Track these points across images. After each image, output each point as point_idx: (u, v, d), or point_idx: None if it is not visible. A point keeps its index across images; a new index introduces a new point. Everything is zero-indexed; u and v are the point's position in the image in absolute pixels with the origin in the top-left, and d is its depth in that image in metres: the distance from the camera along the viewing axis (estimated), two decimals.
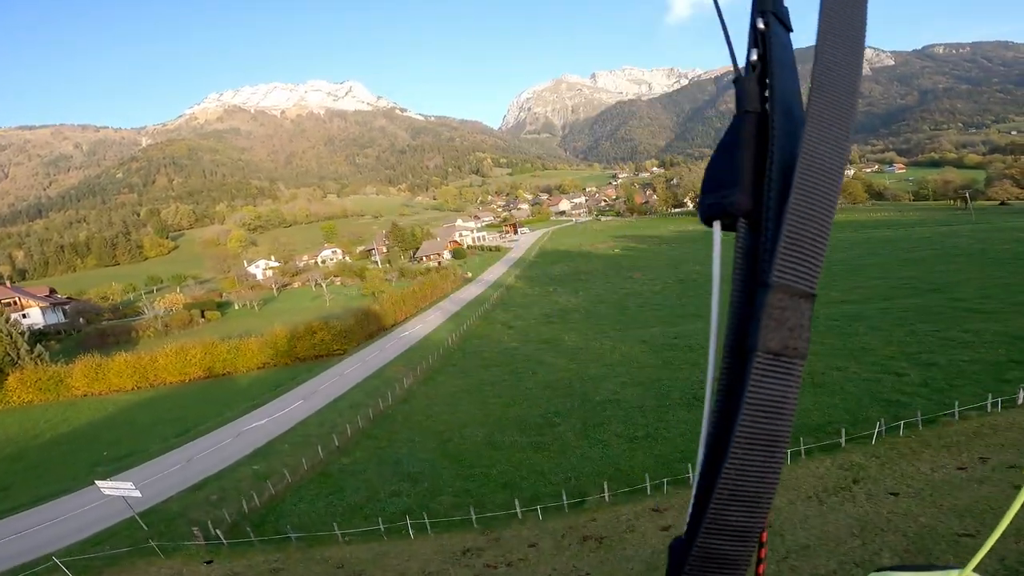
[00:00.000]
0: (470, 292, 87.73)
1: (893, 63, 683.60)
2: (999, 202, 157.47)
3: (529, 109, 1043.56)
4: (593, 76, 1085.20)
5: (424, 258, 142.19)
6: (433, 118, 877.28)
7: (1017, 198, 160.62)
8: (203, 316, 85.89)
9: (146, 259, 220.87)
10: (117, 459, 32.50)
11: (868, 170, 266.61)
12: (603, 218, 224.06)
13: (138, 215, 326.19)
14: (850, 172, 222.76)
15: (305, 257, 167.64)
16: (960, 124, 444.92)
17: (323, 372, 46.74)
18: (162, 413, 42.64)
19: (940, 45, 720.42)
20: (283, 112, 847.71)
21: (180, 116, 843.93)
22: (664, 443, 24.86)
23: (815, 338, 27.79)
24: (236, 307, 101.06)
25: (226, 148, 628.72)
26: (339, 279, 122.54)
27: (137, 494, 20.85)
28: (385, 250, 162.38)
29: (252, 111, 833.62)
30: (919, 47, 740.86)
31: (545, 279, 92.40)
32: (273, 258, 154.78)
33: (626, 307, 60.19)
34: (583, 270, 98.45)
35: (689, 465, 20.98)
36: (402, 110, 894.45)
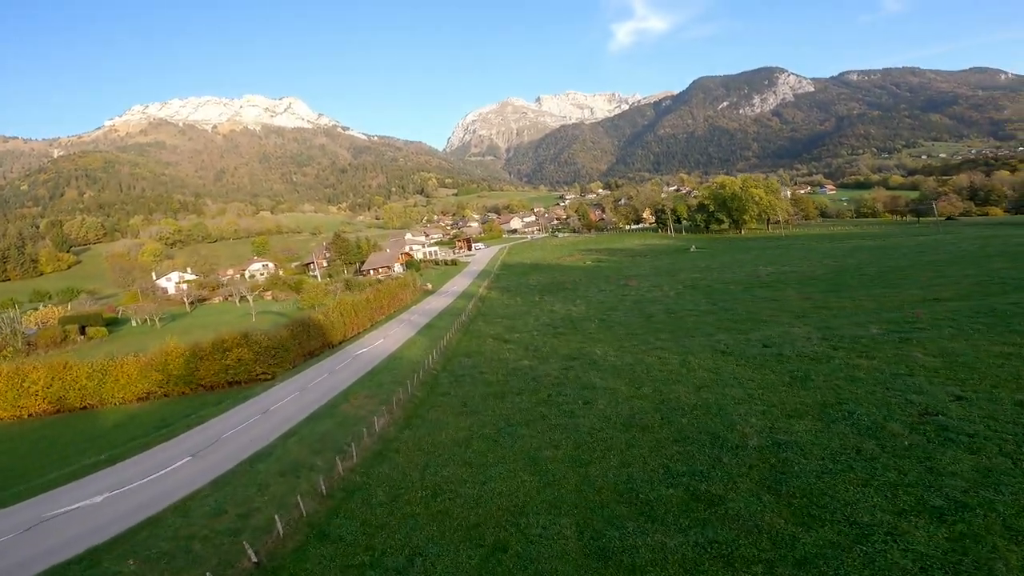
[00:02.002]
0: (436, 303, 72.39)
1: (813, 90, 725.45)
2: (946, 217, 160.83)
3: (474, 131, 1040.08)
4: (538, 100, 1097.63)
5: (372, 272, 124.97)
6: (376, 138, 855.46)
7: (962, 213, 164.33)
8: (83, 333, 65.56)
9: (41, 274, 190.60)
10: None
11: (802, 192, 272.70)
12: (560, 234, 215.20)
13: (37, 227, 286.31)
14: (787, 192, 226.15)
15: (230, 271, 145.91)
16: (874, 149, 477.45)
17: (236, 407, 29.96)
18: None
19: (854, 72, 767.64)
20: (215, 127, 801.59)
21: (99, 128, 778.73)
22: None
23: (993, 338, 27.35)
24: (134, 323, 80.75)
25: (148, 162, 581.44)
26: (270, 293, 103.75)
27: None
28: (326, 264, 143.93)
29: (181, 125, 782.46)
30: (836, 73, 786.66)
31: (524, 289, 78.52)
32: (189, 270, 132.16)
33: (650, 314, 46.83)
34: (564, 280, 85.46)
35: None
36: (344, 128, 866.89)
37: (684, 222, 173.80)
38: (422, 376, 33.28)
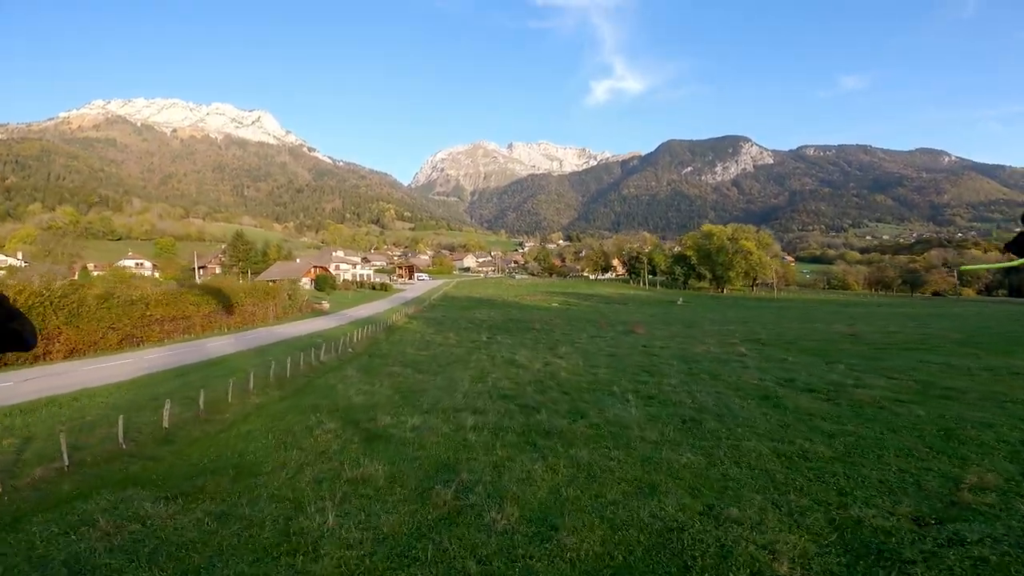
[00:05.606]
0: (307, 327, 43.34)
1: (772, 162, 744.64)
2: (932, 292, 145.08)
3: (442, 170, 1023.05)
4: (510, 146, 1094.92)
5: (271, 283, 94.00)
6: (342, 163, 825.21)
7: (947, 291, 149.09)
8: None
9: None
10: None
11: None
12: (518, 276, 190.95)
13: None
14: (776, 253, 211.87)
15: (90, 265, 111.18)
16: (823, 226, 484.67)
17: None
18: None
19: (811, 147, 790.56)
20: (175, 130, 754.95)
21: (51, 119, 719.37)
22: None
23: None
24: None
25: (90, 157, 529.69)
26: None
27: None
28: (219, 270, 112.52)
29: (139, 124, 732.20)
30: (795, 147, 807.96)
31: (466, 324, 49.93)
32: (20, 255, 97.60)
33: (766, 393, 17.32)
34: (528, 319, 57.29)
35: None
36: (310, 149, 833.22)
37: (660, 275, 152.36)
38: None
